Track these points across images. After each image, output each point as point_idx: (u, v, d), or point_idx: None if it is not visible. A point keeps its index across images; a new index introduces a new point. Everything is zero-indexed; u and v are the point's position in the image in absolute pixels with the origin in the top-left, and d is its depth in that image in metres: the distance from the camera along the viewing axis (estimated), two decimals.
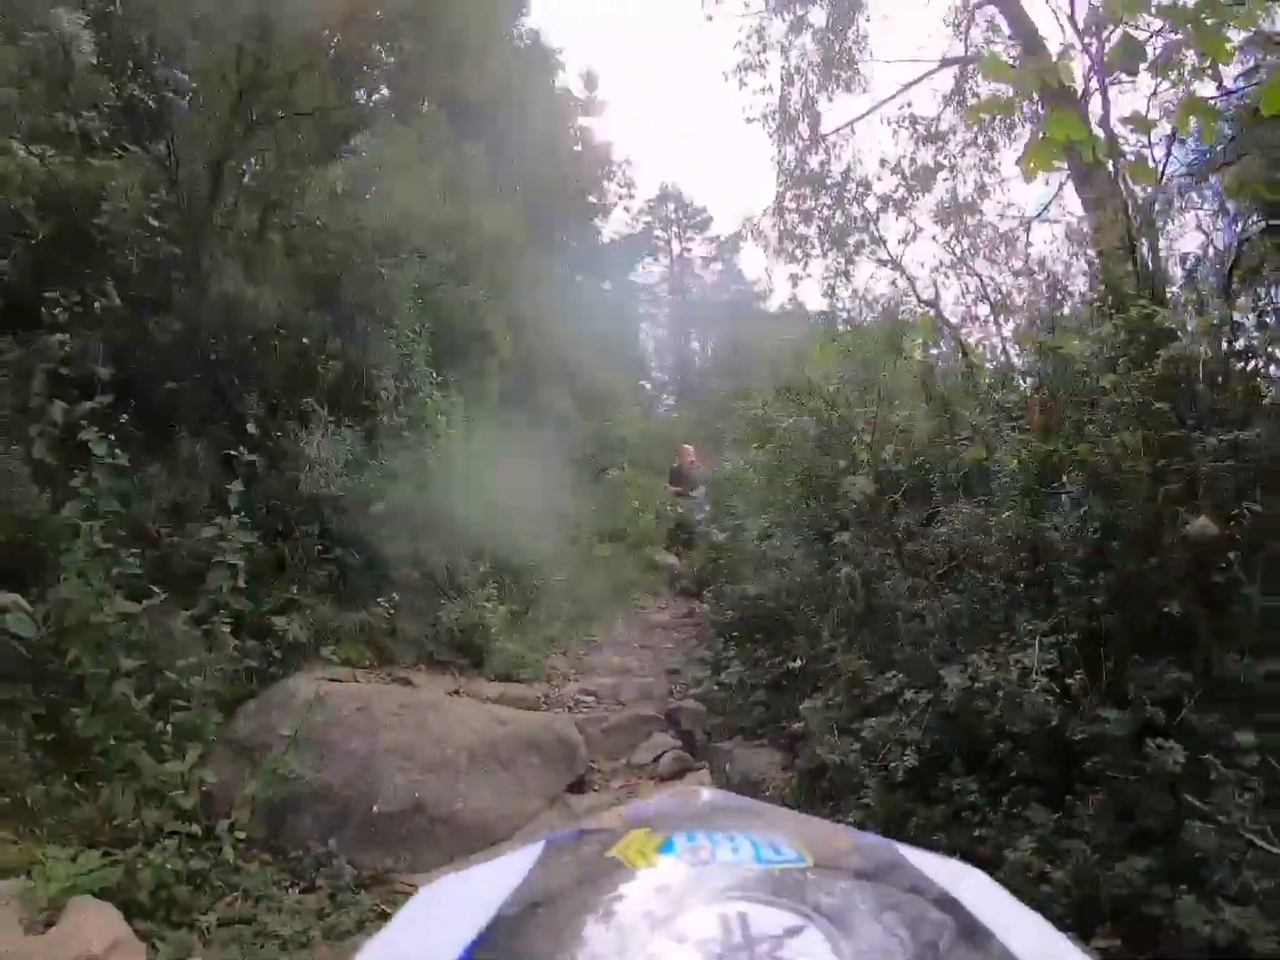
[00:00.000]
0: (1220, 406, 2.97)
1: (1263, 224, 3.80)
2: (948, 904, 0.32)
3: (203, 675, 3.48)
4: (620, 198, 18.12)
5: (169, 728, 3.42)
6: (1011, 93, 3.83)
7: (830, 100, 9.49)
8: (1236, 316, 3.46)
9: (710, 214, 25.26)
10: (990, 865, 2.32)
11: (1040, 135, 3.02)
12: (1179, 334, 3.17)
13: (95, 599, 3.21)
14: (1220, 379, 3.06)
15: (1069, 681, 2.65)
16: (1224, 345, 3.33)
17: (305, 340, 6.14)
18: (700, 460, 11.94)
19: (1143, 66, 3.03)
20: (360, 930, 3.24)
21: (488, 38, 9.54)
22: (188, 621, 3.43)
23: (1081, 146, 2.80)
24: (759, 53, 9.46)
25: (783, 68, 9.45)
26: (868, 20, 9.57)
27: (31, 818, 3.51)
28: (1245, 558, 2.62)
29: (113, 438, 3.76)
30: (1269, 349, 3.24)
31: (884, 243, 8.17)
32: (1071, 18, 8.63)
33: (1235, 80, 5.60)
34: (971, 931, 0.31)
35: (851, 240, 8.69)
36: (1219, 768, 2.31)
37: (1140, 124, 3.69)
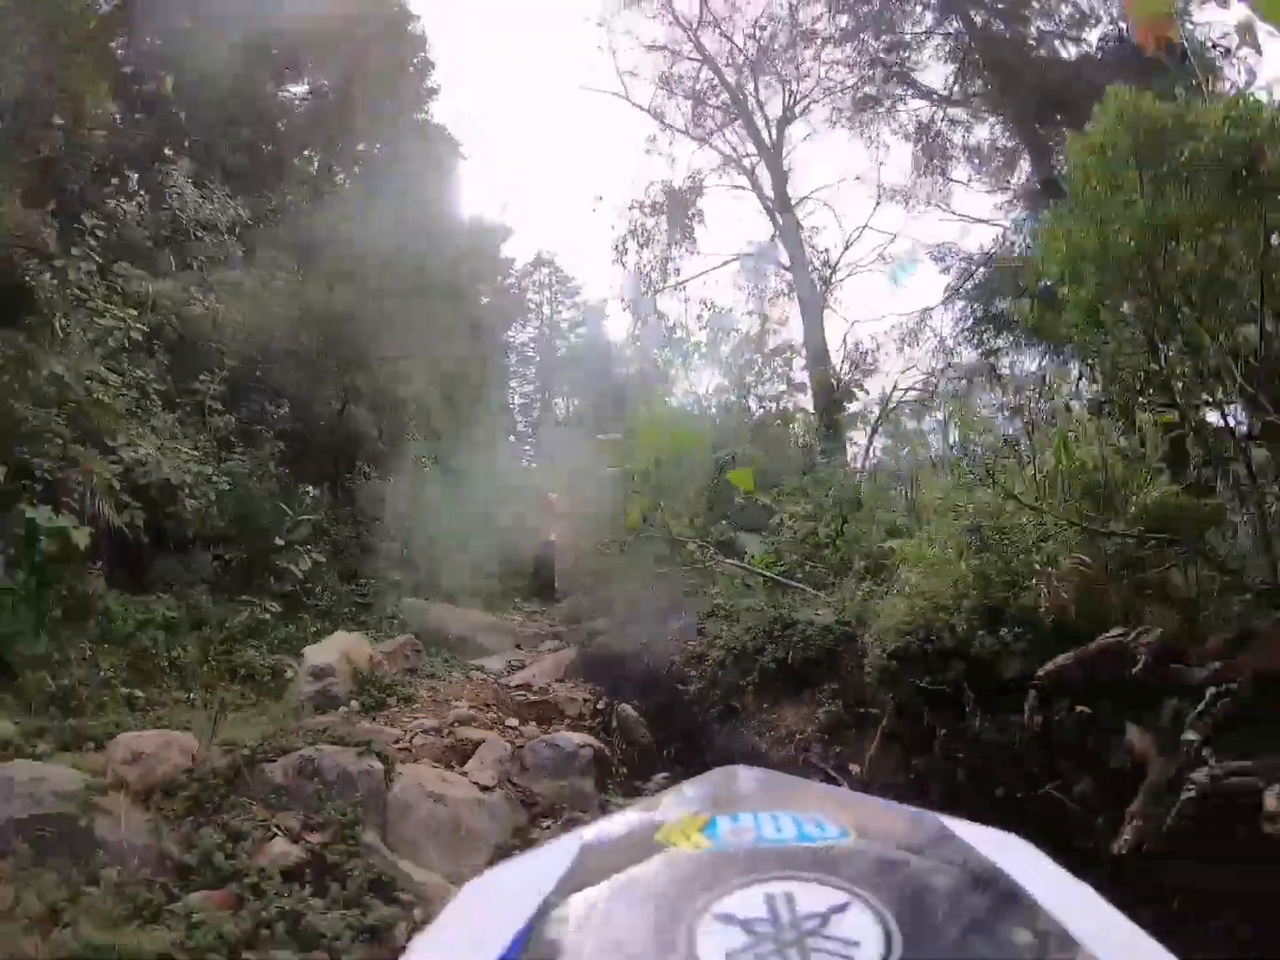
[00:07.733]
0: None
1: None
2: (994, 875, 0.33)
3: None
4: (504, 275, 21.99)
5: None
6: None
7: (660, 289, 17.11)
8: None
9: (579, 282, 30.34)
10: None
11: None
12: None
13: None
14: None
15: None
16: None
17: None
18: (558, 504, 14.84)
19: None
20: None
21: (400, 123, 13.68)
22: None
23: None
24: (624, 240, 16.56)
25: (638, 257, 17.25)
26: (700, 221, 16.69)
27: None
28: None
29: None
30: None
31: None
32: None
33: None
34: (1019, 902, 0.32)
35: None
36: None
37: None
